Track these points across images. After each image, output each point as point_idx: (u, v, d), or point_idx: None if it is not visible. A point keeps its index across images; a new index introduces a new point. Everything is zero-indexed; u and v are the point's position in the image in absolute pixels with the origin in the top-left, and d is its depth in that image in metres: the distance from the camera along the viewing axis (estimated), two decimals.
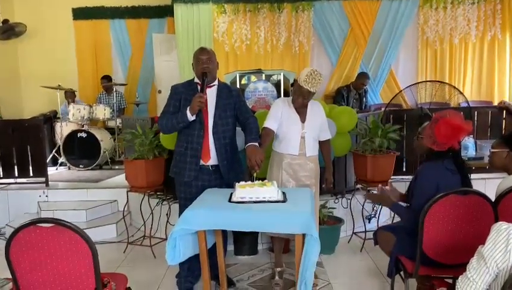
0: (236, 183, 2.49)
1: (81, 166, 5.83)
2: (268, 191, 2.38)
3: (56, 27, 7.34)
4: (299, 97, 2.91)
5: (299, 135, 2.96)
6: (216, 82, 2.90)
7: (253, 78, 4.77)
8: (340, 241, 3.85)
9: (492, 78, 6.87)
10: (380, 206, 4.00)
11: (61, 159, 5.97)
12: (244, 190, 2.39)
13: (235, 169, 2.94)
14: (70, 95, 6.39)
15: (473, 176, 3.60)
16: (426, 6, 6.73)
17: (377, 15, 6.80)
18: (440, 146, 2.39)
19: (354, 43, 6.89)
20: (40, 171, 4.82)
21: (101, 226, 4.25)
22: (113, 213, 4.57)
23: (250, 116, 2.93)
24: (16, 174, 4.85)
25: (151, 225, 3.96)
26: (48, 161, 5.36)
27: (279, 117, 2.96)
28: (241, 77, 4.79)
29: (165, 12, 7.22)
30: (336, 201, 4.09)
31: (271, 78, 4.76)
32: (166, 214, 3.99)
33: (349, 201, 4.07)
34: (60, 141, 5.96)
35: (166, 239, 3.77)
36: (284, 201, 2.38)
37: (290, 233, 2.34)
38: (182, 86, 2.93)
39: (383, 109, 4.98)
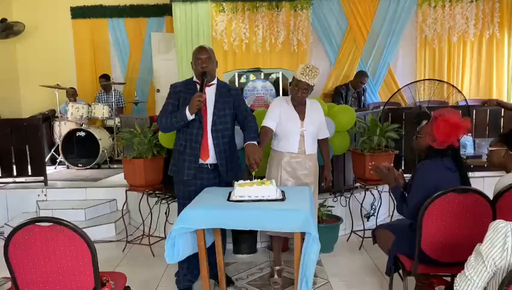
0: (235, 182, 2.49)
1: (79, 165, 5.83)
2: (267, 189, 2.39)
3: (54, 26, 7.32)
4: (298, 92, 2.93)
5: (299, 133, 2.97)
6: (215, 81, 2.90)
7: (251, 76, 4.77)
8: (338, 239, 3.85)
9: (491, 76, 6.88)
10: (379, 205, 4.01)
11: (60, 158, 5.97)
12: (243, 189, 2.39)
13: (234, 168, 2.94)
14: (72, 94, 6.39)
15: (471, 174, 3.61)
16: (425, 5, 6.73)
17: (376, 13, 6.80)
18: (439, 144, 2.39)
19: (352, 42, 6.90)
20: (39, 170, 4.81)
21: (99, 225, 4.25)
22: (112, 212, 4.57)
23: (249, 115, 2.94)
24: (15, 173, 4.85)
25: (150, 223, 3.97)
26: (46, 160, 5.35)
27: (278, 116, 2.97)
28: (239, 76, 4.79)
29: (164, 11, 7.21)
30: (335, 200, 4.09)
31: (270, 77, 4.76)
32: (165, 213, 3.99)
33: (348, 199, 4.08)
34: (58, 140, 5.96)
35: (165, 238, 3.79)
36: (282, 200, 2.39)
37: (289, 232, 2.35)
38: (181, 84, 2.93)
39: (381, 108, 4.98)
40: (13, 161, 4.81)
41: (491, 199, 2.32)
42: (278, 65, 6.66)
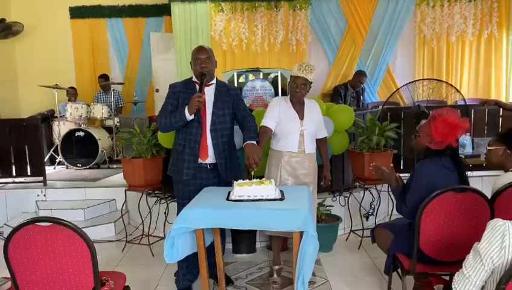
0: (235, 182, 2.50)
1: (79, 165, 5.83)
2: (266, 189, 2.39)
3: (53, 26, 7.32)
4: (296, 88, 2.94)
5: (298, 132, 2.98)
6: (214, 81, 2.90)
7: (250, 76, 4.78)
8: (338, 239, 3.86)
9: (489, 76, 6.89)
10: (378, 204, 4.02)
11: (59, 158, 5.97)
12: (242, 188, 2.40)
13: (233, 167, 2.94)
14: (73, 93, 6.39)
15: (469, 173, 3.61)
16: (423, 4, 6.74)
17: (374, 13, 6.81)
18: (437, 145, 2.40)
19: (351, 42, 6.90)
20: (38, 171, 4.81)
21: (99, 225, 4.25)
22: (111, 212, 4.57)
23: (248, 114, 2.94)
24: (14, 173, 4.85)
25: (150, 223, 3.97)
26: (45, 160, 5.36)
27: (277, 115, 2.98)
28: (238, 76, 4.79)
29: (163, 11, 7.21)
30: (334, 199, 4.10)
31: (269, 77, 4.76)
32: (165, 213, 3.99)
33: (346, 199, 4.09)
34: (57, 140, 5.95)
35: (164, 238, 3.77)
36: (281, 199, 2.39)
37: (288, 231, 2.35)
38: (180, 84, 2.93)
39: (380, 107, 4.99)
40: (12, 161, 4.81)
41: (489, 198, 2.33)
42: (276, 65, 6.66)
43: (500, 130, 4.81)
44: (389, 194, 3.83)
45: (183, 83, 2.95)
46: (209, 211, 2.29)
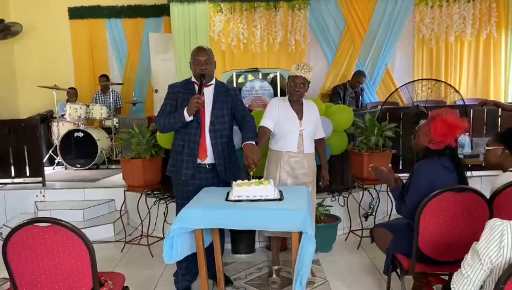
0: (234, 182, 2.50)
1: (78, 166, 5.82)
2: (265, 189, 2.39)
3: (52, 26, 7.31)
4: (295, 87, 2.95)
5: (297, 132, 2.99)
6: (213, 81, 2.90)
7: (250, 77, 4.78)
8: (337, 239, 3.86)
9: (488, 76, 6.89)
10: (377, 204, 4.02)
11: (58, 159, 5.96)
12: (241, 189, 2.40)
13: (232, 168, 2.94)
14: (73, 94, 6.38)
15: (468, 173, 3.62)
16: (422, 5, 6.74)
17: (373, 13, 6.81)
18: (436, 145, 2.40)
19: (350, 42, 6.90)
20: (37, 171, 4.81)
21: (98, 226, 4.25)
22: (110, 212, 4.57)
23: (247, 115, 2.94)
24: (13, 174, 4.84)
25: (149, 224, 3.97)
26: (44, 160, 5.35)
27: (276, 116, 2.98)
28: (237, 76, 4.79)
29: (162, 11, 7.20)
30: (333, 199, 4.10)
31: (268, 77, 4.77)
32: (164, 213, 3.99)
33: (346, 199, 4.09)
34: (56, 141, 5.94)
35: (163, 238, 3.77)
36: (280, 199, 2.39)
37: (287, 231, 2.35)
38: (179, 85, 2.93)
39: (379, 107, 4.99)
40: (11, 162, 4.81)
41: (488, 197, 2.33)
42: (275, 65, 6.65)
43: (499, 130, 4.82)
44: (388, 194, 3.84)
45: (182, 84, 2.94)
46: (208, 211, 2.29)
